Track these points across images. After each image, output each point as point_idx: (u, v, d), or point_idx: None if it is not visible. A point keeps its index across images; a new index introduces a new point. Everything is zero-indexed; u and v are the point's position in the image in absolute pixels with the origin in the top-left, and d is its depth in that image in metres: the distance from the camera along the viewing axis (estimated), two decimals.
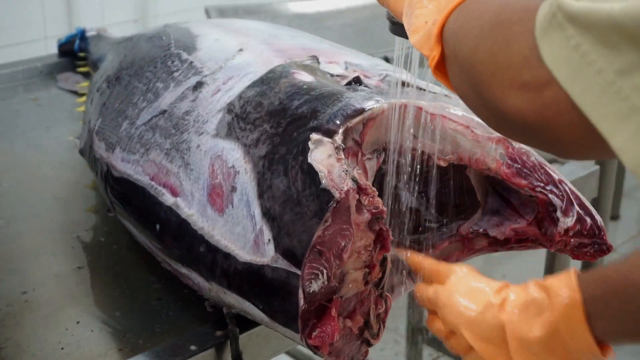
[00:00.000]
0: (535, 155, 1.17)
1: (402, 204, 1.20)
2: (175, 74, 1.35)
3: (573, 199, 1.18)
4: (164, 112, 1.29)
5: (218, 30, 1.50)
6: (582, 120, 0.64)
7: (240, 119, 1.16)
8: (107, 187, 1.37)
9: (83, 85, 2.08)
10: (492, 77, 0.72)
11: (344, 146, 1.06)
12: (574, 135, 0.67)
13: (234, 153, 1.13)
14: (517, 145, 1.16)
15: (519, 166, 1.17)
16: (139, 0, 3.35)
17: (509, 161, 1.17)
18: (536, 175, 1.17)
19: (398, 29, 0.98)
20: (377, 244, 1.07)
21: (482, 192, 1.26)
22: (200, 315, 1.23)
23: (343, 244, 1.02)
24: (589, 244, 1.21)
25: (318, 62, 1.26)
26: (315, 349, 1.04)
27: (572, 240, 1.20)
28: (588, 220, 1.19)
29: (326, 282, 1.01)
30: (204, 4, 2.58)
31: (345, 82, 1.20)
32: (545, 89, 0.67)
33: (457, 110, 1.15)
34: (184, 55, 1.39)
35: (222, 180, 1.12)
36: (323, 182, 1.02)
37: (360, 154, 1.11)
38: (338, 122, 1.07)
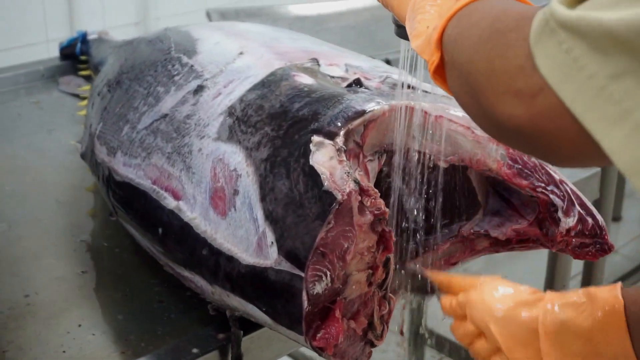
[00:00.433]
0: None
1: (403, 205, 1.20)
2: (176, 78, 1.35)
3: (574, 199, 1.19)
4: (165, 116, 1.29)
5: (218, 34, 1.50)
6: (576, 126, 0.64)
7: (242, 122, 1.16)
8: (109, 192, 1.37)
9: (85, 88, 2.09)
10: (488, 84, 0.72)
11: (345, 148, 1.06)
12: (568, 143, 0.67)
13: (235, 156, 1.13)
14: None
15: (520, 167, 1.17)
16: (140, 3, 3.35)
17: (509, 162, 1.17)
18: (537, 176, 1.17)
19: (403, 32, 0.98)
20: (380, 245, 1.07)
21: (483, 193, 1.26)
22: (202, 318, 1.23)
23: (346, 246, 1.02)
24: (591, 244, 1.21)
25: (318, 65, 1.27)
26: (319, 350, 1.04)
27: (573, 240, 1.20)
28: (589, 220, 1.20)
29: (330, 284, 1.02)
30: (205, 7, 2.58)
31: (345, 84, 1.20)
32: (539, 96, 0.66)
33: (458, 111, 1.16)
34: (185, 59, 1.39)
35: (224, 183, 1.12)
36: (325, 184, 1.02)
37: (361, 156, 1.12)
38: (339, 124, 1.08)
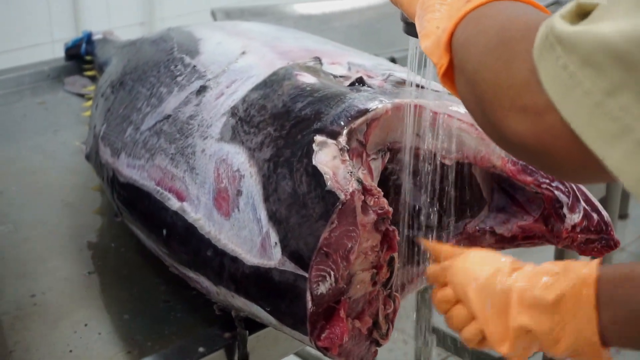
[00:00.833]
0: None
1: (408, 203, 1.20)
2: (179, 79, 1.35)
3: (579, 195, 1.18)
4: (168, 117, 1.29)
5: (221, 34, 1.50)
6: (578, 144, 0.63)
7: (244, 122, 1.16)
8: (113, 193, 1.38)
9: (90, 88, 2.09)
10: (494, 97, 0.71)
11: (348, 147, 1.06)
12: (572, 161, 0.67)
13: (238, 157, 1.13)
14: None
15: (525, 163, 1.17)
16: (145, 3, 3.35)
17: (514, 158, 1.16)
18: (542, 172, 1.17)
19: (412, 29, 0.98)
20: (384, 245, 1.07)
21: (488, 189, 1.26)
22: (208, 317, 1.23)
23: (350, 245, 1.02)
24: (596, 240, 1.21)
25: (321, 64, 1.26)
26: (324, 350, 1.04)
27: (579, 236, 1.20)
28: (595, 216, 1.19)
29: (334, 284, 1.01)
30: (210, 7, 2.58)
31: (348, 82, 1.20)
32: (544, 113, 0.66)
33: (462, 108, 1.15)
34: (187, 60, 1.39)
35: (228, 184, 1.12)
36: (328, 184, 1.02)
37: (364, 155, 1.11)
38: (342, 123, 1.07)
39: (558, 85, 0.64)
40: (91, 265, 1.41)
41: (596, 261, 0.91)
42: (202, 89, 1.28)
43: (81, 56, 2.22)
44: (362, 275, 1.06)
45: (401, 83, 1.20)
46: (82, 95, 2.11)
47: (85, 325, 1.25)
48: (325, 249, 1.00)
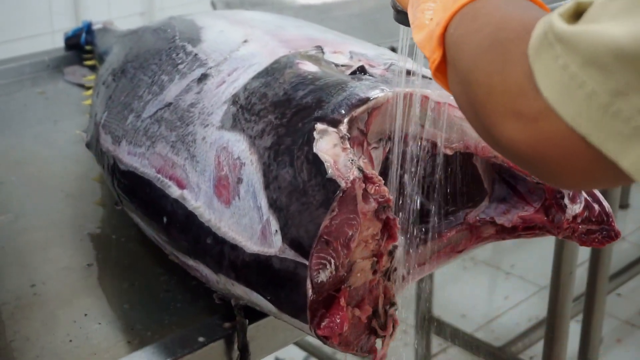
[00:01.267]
0: None
1: (408, 193, 1.19)
2: (180, 67, 1.35)
3: None
4: (169, 104, 1.29)
5: (223, 22, 1.49)
6: (584, 149, 0.61)
7: (245, 110, 1.16)
8: (113, 181, 1.38)
9: (90, 78, 2.08)
10: (487, 101, 0.69)
11: (349, 135, 1.06)
12: (576, 168, 0.64)
13: (239, 144, 1.12)
14: None
15: None
16: None
17: None
18: None
19: (403, 17, 0.96)
20: (385, 233, 1.07)
21: (488, 180, 1.26)
22: (208, 307, 1.23)
23: (350, 234, 1.02)
24: (597, 231, 1.21)
25: (323, 52, 1.26)
26: (324, 339, 1.04)
27: (580, 227, 1.20)
28: (596, 206, 1.19)
29: (334, 272, 1.01)
30: None
31: (349, 71, 1.20)
32: (540, 120, 0.64)
33: None
34: (189, 48, 1.39)
35: (228, 172, 1.12)
36: (329, 171, 1.01)
37: (365, 143, 1.11)
38: (343, 111, 1.07)
39: (557, 86, 0.62)
40: (92, 256, 1.41)
41: None
42: (203, 77, 1.28)
43: (81, 46, 2.22)
44: (362, 263, 1.06)
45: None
46: (82, 85, 2.10)
47: (85, 315, 1.25)
48: (325, 236, 1.00)
